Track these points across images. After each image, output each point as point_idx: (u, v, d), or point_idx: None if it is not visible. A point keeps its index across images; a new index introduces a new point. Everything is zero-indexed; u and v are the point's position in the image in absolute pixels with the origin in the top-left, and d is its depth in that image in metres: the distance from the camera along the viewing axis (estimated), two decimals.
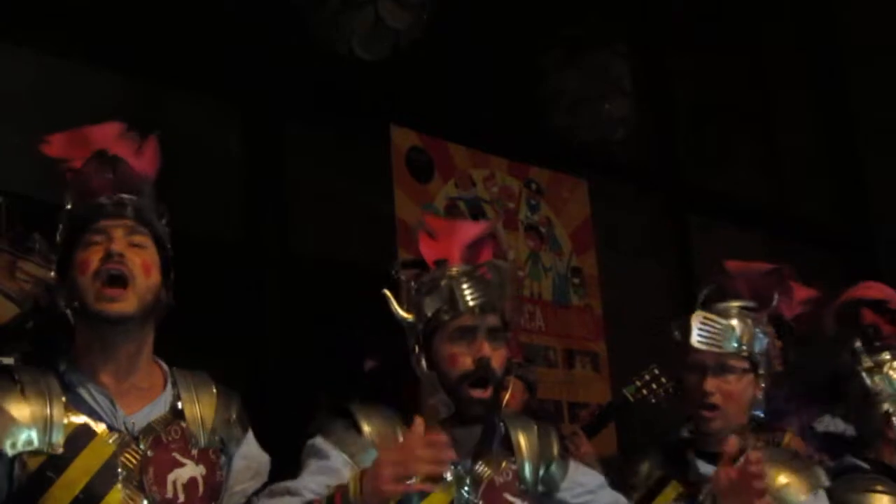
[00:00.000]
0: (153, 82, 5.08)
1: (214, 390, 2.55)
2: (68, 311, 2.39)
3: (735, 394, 3.06)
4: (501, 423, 2.74)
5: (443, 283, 2.64)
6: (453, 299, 2.61)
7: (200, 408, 2.48)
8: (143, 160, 2.52)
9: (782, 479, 3.06)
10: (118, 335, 2.38)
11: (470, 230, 2.83)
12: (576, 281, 6.44)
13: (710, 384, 3.05)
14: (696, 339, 3.07)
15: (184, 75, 5.15)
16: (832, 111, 8.38)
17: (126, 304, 2.33)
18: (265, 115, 5.52)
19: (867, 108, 8.05)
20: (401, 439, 2.54)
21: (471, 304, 2.61)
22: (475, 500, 2.61)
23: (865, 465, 3.48)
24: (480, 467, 2.65)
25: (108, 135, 2.53)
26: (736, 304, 3.13)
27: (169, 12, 5.02)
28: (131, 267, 2.34)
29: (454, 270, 2.67)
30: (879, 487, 3.40)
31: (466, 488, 2.61)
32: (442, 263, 2.70)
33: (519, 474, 2.70)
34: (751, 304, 3.12)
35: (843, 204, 8.27)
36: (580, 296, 6.40)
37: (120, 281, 2.33)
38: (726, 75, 7.70)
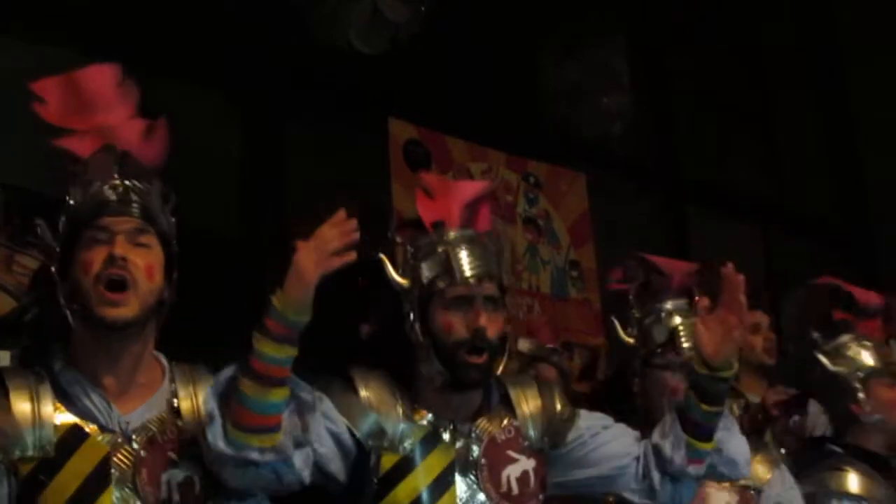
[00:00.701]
0: (152, 77, 5.04)
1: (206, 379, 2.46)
2: (67, 311, 2.31)
3: None
4: (500, 384, 2.73)
5: (440, 248, 2.60)
6: (450, 267, 2.58)
7: (198, 403, 2.39)
8: (151, 147, 2.44)
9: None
10: (119, 338, 2.31)
11: (468, 189, 2.78)
12: (574, 274, 6.44)
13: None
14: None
15: (182, 71, 5.15)
16: (831, 108, 8.38)
17: (127, 308, 2.26)
18: (264, 109, 5.52)
19: (866, 106, 8.05)
20: (398, 407, 2.56)
21: (468, 273, 2.58)
22: (478, 458, 2.59)
23: (839, 450, 3.47)
24: (481, 425, 2.63)
25: (107, 97, 2.46)
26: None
27: (168, 8, 5.02)
28: (134, 271, 2.27)
29: (451, 235, 2.63)
30: (846, 467, 3.39)
31: (468, 446, 2.60)
32: (439, 226, 2.65)
33: (522, 431, 2.67)
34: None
35: (842, 200, 8.27)
36: (578, 289, 6.40)
37: (122, 285, 2.26)
38: (726, 71, 7.71)
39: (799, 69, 8.38)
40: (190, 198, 2.58)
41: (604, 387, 3.79)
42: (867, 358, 3.52)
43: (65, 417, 2.26)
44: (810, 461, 3.44)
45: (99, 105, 2.43)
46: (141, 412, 2.34)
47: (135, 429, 2.31)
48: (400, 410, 2.57)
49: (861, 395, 3.46)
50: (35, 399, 2.26)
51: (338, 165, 5.61)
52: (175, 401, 2.39)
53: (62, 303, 2.30)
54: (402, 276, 2.62)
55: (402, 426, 2.55)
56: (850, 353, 3.54)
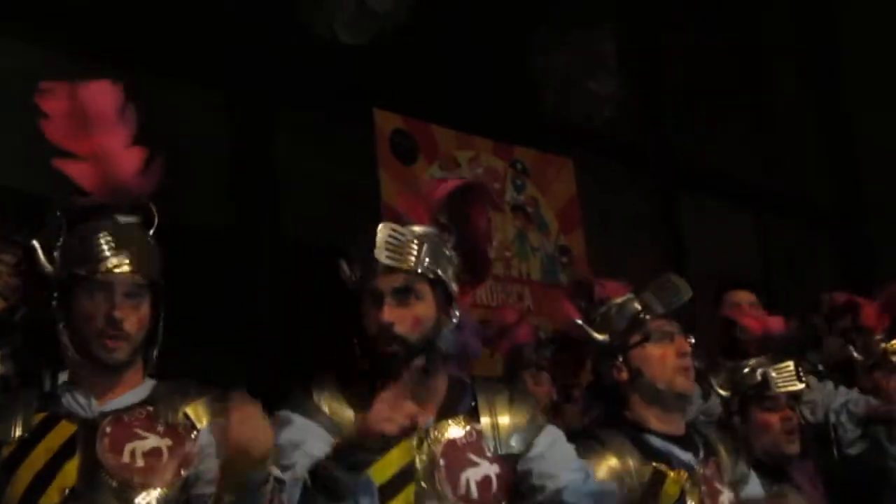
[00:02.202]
0: (141, 70, 5.05)
1: (193, 387, 2.61)
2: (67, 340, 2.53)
3: None
4: (469, 388, 2.72)
5: (370, 245, 2.56)
6: (368, 260, 2.54)
7: (175, 400, 2.55)
8: (146, 177, 2.57)
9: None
10: (112, 367, 2.53)
11: (445, 186, 2.73)
12: (564, 260, 6.43)
13: None
14: None
15: (171, 63, 5.14)
16: (825, 92, 8.39)
17: (121, 352, 2.49)
18: (251, 102, 5.50)
19: (861, 90, 8.05)
20: (349, 417, 2.56)
21: (380, 263, 2.52)
22: (437, 458, 2.57)
23: None
24: (441, 426, 2.61)
25: (107, 118, 2.56)
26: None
27: (156, 3, 5.02)
28: (128, 328, 2.48)
29: (381, 227, 2.55)
30: None
31: (426, 446, 2.58)
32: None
33: (484, 437, 2.64)
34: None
35: (835, 185, 8.28)
36: (569, 275, 6.39)
37: (119, 338, 2.48)
38: (717, 55, 7.70)
39: (793, 54, 8.39)
40: (179, 186, 2.61)
41: None
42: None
43: (43, 413, 2.51)
44: None
45: (99, 126, 2.56)
46: (115, 402, 2.53)
47: (104, 413, 2.51)
48: (360, 410, 2.54)
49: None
50: (20, 415, 2.51)
51: (325, 156, 5.61)
52: (152, 398, 2.56)
53: (62, 336, 2.53)
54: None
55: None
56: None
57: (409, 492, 2.53)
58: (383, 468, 2.52)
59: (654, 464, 2.98)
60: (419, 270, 2.53)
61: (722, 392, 3.67)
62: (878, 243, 7.74)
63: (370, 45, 5.50)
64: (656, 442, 3.04)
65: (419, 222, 2.62)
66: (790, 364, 3.66)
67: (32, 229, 2.66)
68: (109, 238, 2.51)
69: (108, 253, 2.49)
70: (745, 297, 4.68)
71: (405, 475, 2.54)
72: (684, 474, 2.99)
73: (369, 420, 2.35)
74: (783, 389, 3.61)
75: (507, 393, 2.76)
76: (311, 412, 2.56)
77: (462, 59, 6.05)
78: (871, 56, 7.83)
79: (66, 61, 4.84)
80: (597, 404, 3.33)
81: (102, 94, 2.58)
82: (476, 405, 2.69)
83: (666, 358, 3.08)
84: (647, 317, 3.12)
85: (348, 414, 2.57)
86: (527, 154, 6.50)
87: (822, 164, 8.29)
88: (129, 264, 2.49)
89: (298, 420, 2.55)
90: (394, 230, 2.51)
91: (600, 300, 3.20)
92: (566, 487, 2.65)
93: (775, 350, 3.73)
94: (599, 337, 3.14)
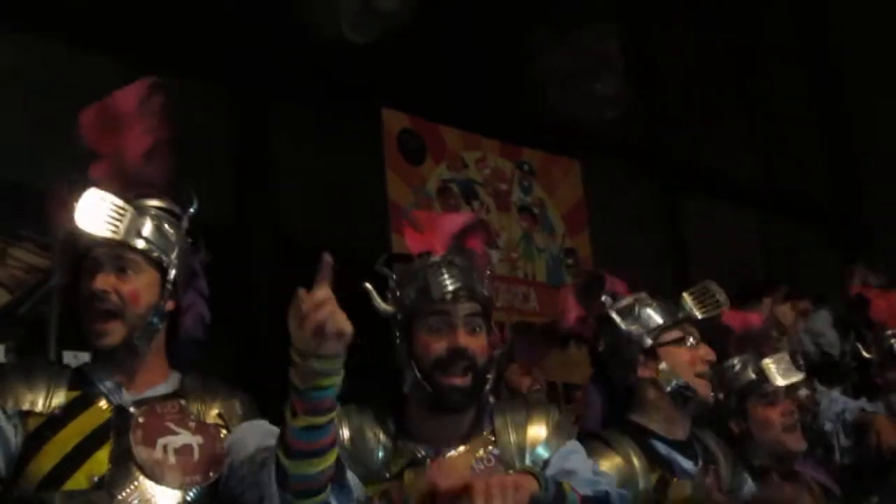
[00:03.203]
0: (142, 65, 5.04)
1: (223, 385, 2.62)
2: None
3: None
4: (489, 410, 2.74)
5: (419, 272, 2.64)
6: (428, 287, 2.61)
7: (205, 396, 2.56)
8: (153, 165, 2.59)
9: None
10: (121, 355, 2.49)
11: (454, 221, 2.83)
12: (569, 262, 6.43)
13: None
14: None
15: (174, 58, 5.12)
16: (826, 91, 8.37)
17: (113, 336, 2.45)
18: (257, 101, 5.50)
19: (861, 89, 8.04)
20: (382, 436, 2.61)
21: (445, 291, 2.60)
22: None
23: None
24: (460, 453, 2.64)
25: (130, 117, 2.59)
26: None
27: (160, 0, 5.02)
28: (116, 301, 2.44)
29: (431, 259, 2.66)
30: None
31: None
32: (424, 255, 2.70)
33: (503, 459, 2.66)
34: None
35: (836, 183, 8.27)
36: (574, 277, 6.39)
37: (108, 314, 2.44)
38: (720, 55, 7.69)
39: (792, 52, 8.37)
40: (180, 183, 2.63)
41: None
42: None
43: (76, 391, 2.47)
44: None
45: (122, 127, 2.59)
46: (147, 393, 2.52)
47: (137, 401, 2.48)
48: (384, 439, 2.62)
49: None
50: (52, 380, 2.47)
51: (332, 156, 5.60)
52: (182, 392, 2.55)
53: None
54: (387, 304, 2.65)
55: (383, 455, 2.60)
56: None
57: None
58: (409, 496, 2.56)
59: (659, 470, 3.00)
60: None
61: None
62: (879, 240, 7.73)
63: (377, 44, 5.50)
64: (661, 448, 3.06)
65: None
66: (784, 355, 3.63)
67: (41, 224, 2.68)
68: (109, 209, 2.48)
69: (98, 225, 2.46)
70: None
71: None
72: (687, 485, 3.00)
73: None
74: (785, 381, 3.58)
75: (525, 411, 2.78)
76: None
77: (469, 59, 6.04)
78: (869, 54, 7.82)
79: (66, 56, 4.86)
80: (598, 403, 3.32)
81: (128, 96, 2.62)
82: (493, 426, 2.71)
83: (693, 362, 3.10)
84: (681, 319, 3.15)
85: (372, 440, 2.62)
86: (534, 155, 6.50)
87: (823, 163, 8.28)
88: (115, 231, 2.47)
89: None
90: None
91: (612, 294, 3.21)
92: (576, 476, 2.66)
93: (755, 346, 3.68)
94: (630, 329, 3.14)
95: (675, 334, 3.13)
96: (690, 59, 7.54)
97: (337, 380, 2.18)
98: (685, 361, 3.10)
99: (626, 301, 3.19)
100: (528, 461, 2.67)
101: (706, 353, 3.13)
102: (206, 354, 2.72)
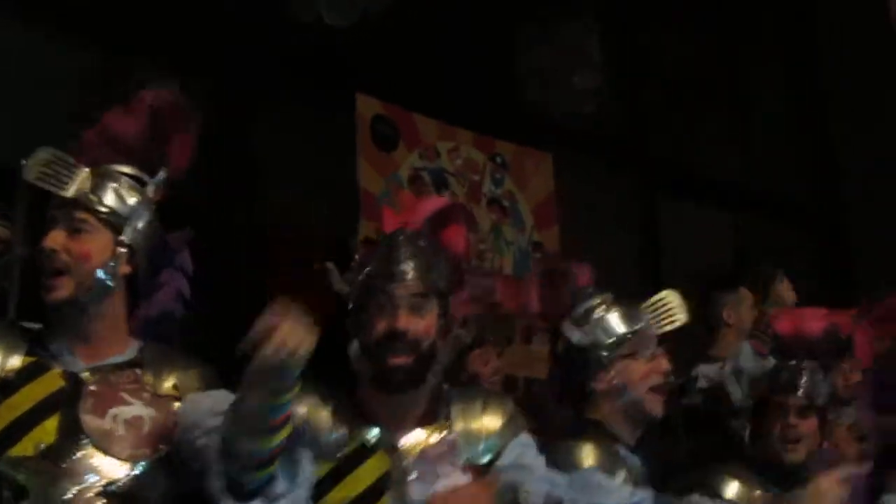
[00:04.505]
0: (120, 51, 5.01)
1: (181, 358, 2.58)
2: None
3: None
4: (446, 395, 2.73)
5: (378, 250, 2.65)
6: (379, 264, 2.60)
7: (162, 368, 2.52)
8: (127, 121, 2.59)
9: None
10: (71, 313, 2.46)
11: (431, 204, 2.81)
12: (537, 256, 6.43)
13: None
14: None
15: (150, 45, 5.08)
16: (805, 91, 8.39)
17: (61, 291, 2.42)
18: (232, 81, 5.45)
19: (840, 90, 8.07)
20: (336, 416, 2.60)
21: (394, 269, 2.59)
22: (408, 470, 2.58)
23: None
24: (414, 437, 2.63)
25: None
26: None
27: None
28: (66, 259, 2.42)
29: (390, 238, 2.66)
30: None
31: (400, 458, 2.60)
32: (393, 233, 2.69)
33: (457, 446, 2.65)
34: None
35: (813, 185, 8.29)
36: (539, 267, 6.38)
37: (58, 272, 2.43)
38: (699, 53, 7.69)
39: (773, 52, 8.39)
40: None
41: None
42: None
43: (31, 357, 2.44)
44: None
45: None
46: (105, 363, 2.47)
47: (91, 369, 2.45)
48: (336, 419, 2.60)
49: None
50: (8, 342, 2.46)
51: (306, 140, 5.56)
52: (139, 363, 2.51)
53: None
54: (348, 283, 2.64)
55: (335, 435, 2.58)
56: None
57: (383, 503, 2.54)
58: (358, 479, 2.56)
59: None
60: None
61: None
62: (856, 244, 7.78)
63: (354, 28, 5.47)
64: (623, 452, 3.05)
65: None
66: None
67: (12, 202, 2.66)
68: (60, 165, 2.48)
69: (47, 180, 2.46)
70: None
71: (379, 487, 2.56)
72: None
73: None
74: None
75: (482, 399, 2.77)
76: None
77: (446, 49, 6.01)
78: (850, 58, 7.85)
79: (44, 41, 4.82)
80: (560, 405, 3.31)
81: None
82: (450, 412, 2.70)
83: (647, 375, 3.07)
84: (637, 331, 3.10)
85: (325, 417, 2.60)
86: (507, 148, 6.49)
87: (801, 165, 8.30)
88: (63, 188, 2.46)
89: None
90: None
91: (575, 293, 3.18)
92: (531, 472, 2.69)
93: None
94: (584, 341, 3.11)
95: (629, 347, 3.09)
96: (671, 57, 7.53)
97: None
98: (638, 375, 3.06)
99: (585, 306, 3.16)
100: (481, 449, 2.66)
101: (660, 364, 3.09)
102: (180, 329, 2.69)
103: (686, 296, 3.40)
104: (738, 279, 4.92)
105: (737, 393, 3.59)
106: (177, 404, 2.48)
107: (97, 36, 4.95)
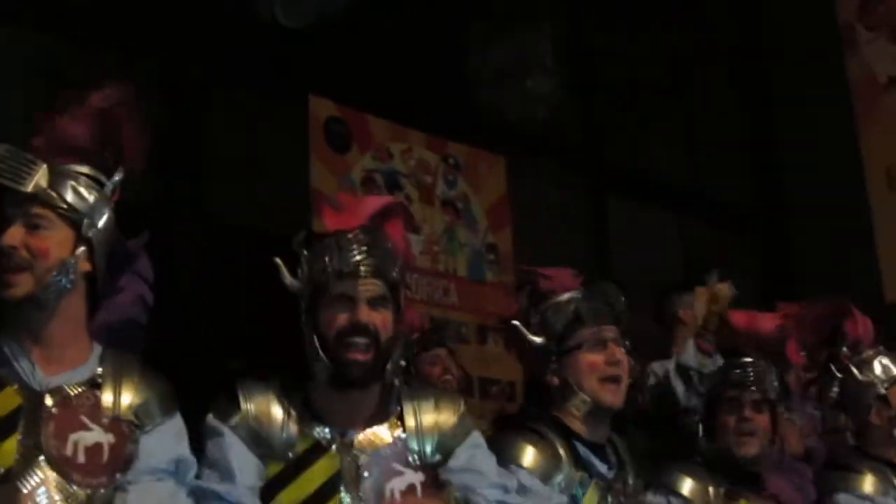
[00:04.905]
0: (75, 44, 4.97)
1: (139, 371, 2.54)
2: None
3: None
4: (397, 393, 2.73)
5: (328, 246, 2.64)
6: (334, 260, 2.60)
7: (121, 385, 2.48)
8: (74, 123, 2.57)
9: None
10: (30, 311, 2.43)
11: (373, 202, 2.83)
12: (491, 257, 6.45)
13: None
14: None
15: (105, 38, 5.05)
16: (750, 96, 8.47)
17: (21, 288, 2.39)
18: (185, 77, 5.43)
19: (785, 94, 8.15)
20: (286, 415, 2.60)
21: (350, 264, 2.60)
22: (361, 469, 2.59)
23: None
24: (366, 436, 2.64)
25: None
26: None
27: None
28: (25, 256, 2.39)
29: (341, 234, 2.66)
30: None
31: (352, 457, 2.60)
32: (339, 232, 2.68)
33: (409, 445, 2.67)
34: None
35: (757, 189, 8.37)
36: (495, 272, 6.41)
37: (17, 268, 2.40)
38: (649, 57, 7.73)
39: (719, 57, 8.45)
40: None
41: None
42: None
43: None
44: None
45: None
46: (62, 378, 2.44)
47: (51, 389, 2.40)
48: (288, 418, 2.60)
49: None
50: None
51: (257, 141, 5.55)
52: (98, 379, 2.47)
53: None
54: (297, 279, 2.65)
55: (286, 435, 2.58)
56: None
57: (335, 502, 2.55)
58: (309, 479, 2.56)
59: (580, 471, 3.00)
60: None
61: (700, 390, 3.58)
62: (799, 245, 7.86)
63: (308, 29, 5.46)
64: (581, 449, 3.05)
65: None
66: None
67: None
68: (17, 161, 2.46)
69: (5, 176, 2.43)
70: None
71: (331, 486, 2.56)
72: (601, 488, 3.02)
73: None
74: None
75: (434, 397, 2.79)
76: (238, 424, 2.58)
77: (399, 51, 6.02)
78: (797, 63, 7.94)
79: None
80: (534, 403, 3.32)
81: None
82: (402, 410, 2.71)
83: (595, 366, 3.06)
84: (583, 322, 3.10)
85: (277, 416, 2.60)
86: (460, 150, 6.50)
87: (747, 170, 8.38)
88: (21, 183, 2.43)
89: (229, 439, 2.57)
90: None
91: (544, 295, 3.20)
92: (484, 478, 2.70)
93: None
94: (535, 339, 3.12)
95: (576, 339, 3.10)
96: (623, 60, 7.57)
97: None
98: (586, 367, 3.06)
99: (543, 306, 3.17)
100: (430, 447, 2.68)
101: (612, 353, 3.07)
102: (148, 339, 2.70)
103: (635, 296, 3.44)
104: (692, 279, 4.95)
105: (679, 388, 3.64)
106: (137, 433, 2.45)
107: (51, 27, 4.90)
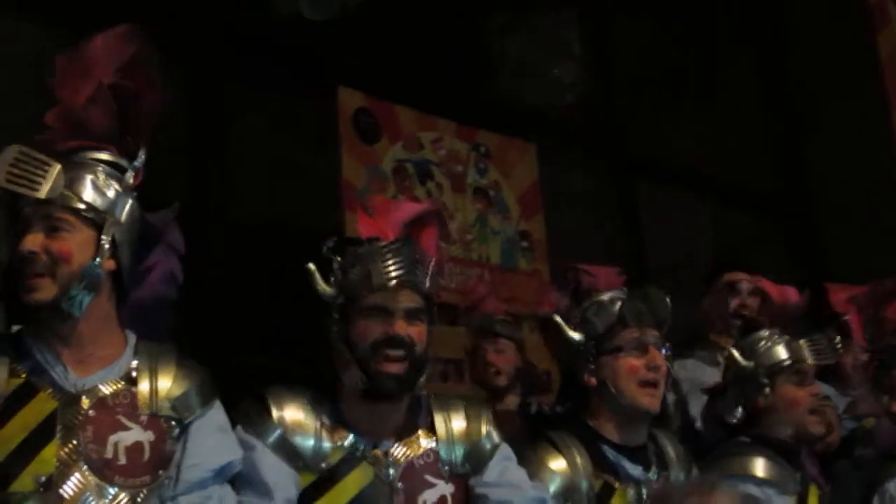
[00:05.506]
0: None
1: (175, 362, 2.48)
2: None
3: None
4: (426, 403, 2.73)
5: (364, 256, 2.60)
6: (370, 272, 2.57)
7: (157, 378, 2.42)
8: (96, 112, 2.46)
9: None
10: (55, 315, 2.35)
11: (408, 208, 2.79)
12: (524, 245, 6.43)
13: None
14: None
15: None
16: (777, 82, 8.41)
17: (43, 292, 2.31)
18: (212, 75, 5.43)
19: (812, 79, 8.08)
20: (318, 425, 2.57)
21: (387, 278, 2.57)
22: (394, 481, 2.58)
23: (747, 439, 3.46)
24: (399, 448, 2.63)
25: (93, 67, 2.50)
26: None
27: None
28: (46, 261, 2.31)
29: (377, 245, 2.62)
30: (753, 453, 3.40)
31: (385, 469, 2.59)
32: (373, 240, 2.65)
33: (441, 455, 2.66)
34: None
35: (785, 176, 8.31)
36: (528, 260, 6.39)
37: (39, 275, 2.32)
38: (676, 44, 7.70)
39: (747, 45, 8.40)
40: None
41: None
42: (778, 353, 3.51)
43: (18, 378, 2.31)
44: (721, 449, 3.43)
45: (84, 72, 2.48)
46: (98, 377, 2.38)
47: (86, 390, 2.34)
48: (320, 428, 2.58)
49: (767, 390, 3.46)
50: None
51: (287, 134, 5.55)
52: (133, 372, 2.42)
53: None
54: (329, 286, 2.62)
55: (319, 445, 2.57)
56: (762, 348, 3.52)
57: None
58: (343, 490, 2.55)
59: (604, 476, 2.96)
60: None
61: (744, 362, 3.50)
62: (827, 236, 7.79)
63: (334, 22, 5.45)
64: (609, 453, 3.01)
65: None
66: (822, 336, 3.55)
67: None
68: (31, 165, 2.33)
69: (18, 182, 2.31)
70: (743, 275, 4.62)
71: (365, 497, 2.55)
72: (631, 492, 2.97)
73: None
74: (819, 362, 3.51)
75: (463, 407, 2.77)
76: (271, 437, 2.56)
77: (427, 39, 6.01)
78: (822, 49, 7.87)
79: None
80: (566, 402, 3.30)
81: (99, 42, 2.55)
82: (432, 420, 2.70)
83: (635, 371, 3.01)
84: (626, 324, 3.05)
85: (310, 426, 2.59)
86: (490, 138, 6.48)
87: (773, 156, 8.32)
88: (36, 189, 2.32)
89: (262, 454, 2.55)
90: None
91: (587, 292, 3.16)
92: (521, 493, 2.69)
93: (788, 322, 3.61)
94: (575, 336, 3.08)
95: (617, 341, 3.05)
96: (649, 48, 7.55)
97: None
98: (626, 371, 3.01)
99: (586, 303, 3.12)
100: (461, 457, 2.68)
101: (652, 358, 3.02)
102: (178, 319, 2.62)
103: (671, 282, 3.41)
104: (722, 267, 4.92)
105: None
106: (176, 430, 2.41)
107: (67, 22, 4.90)
